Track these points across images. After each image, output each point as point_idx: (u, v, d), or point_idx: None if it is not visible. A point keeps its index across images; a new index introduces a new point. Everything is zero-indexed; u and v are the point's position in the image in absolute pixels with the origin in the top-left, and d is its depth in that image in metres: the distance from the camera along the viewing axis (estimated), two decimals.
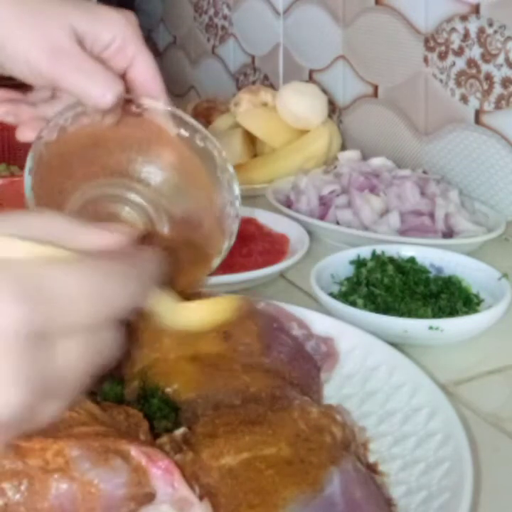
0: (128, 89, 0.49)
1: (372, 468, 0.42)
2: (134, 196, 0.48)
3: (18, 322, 0.25)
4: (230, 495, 0.36)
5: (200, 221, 0.49)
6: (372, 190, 0.82)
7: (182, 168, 0.49)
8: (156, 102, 0.49)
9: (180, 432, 0.40)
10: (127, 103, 0.49)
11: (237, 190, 0.49)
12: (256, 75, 1.29)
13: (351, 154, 0.97)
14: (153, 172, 0.49)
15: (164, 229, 0.48)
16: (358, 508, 0.37)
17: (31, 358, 0.26)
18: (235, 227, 0.49)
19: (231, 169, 0.49)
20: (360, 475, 0.39)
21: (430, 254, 0.67)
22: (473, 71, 0.84)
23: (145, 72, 0.50)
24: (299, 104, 0.99)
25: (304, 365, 0.49)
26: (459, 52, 0.86)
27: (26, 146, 1.00)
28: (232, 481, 0.37)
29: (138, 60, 0.50)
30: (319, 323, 0.54)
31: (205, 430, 0.40)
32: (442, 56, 0.88)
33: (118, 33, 0.48)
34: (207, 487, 0.36)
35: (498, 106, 0.81)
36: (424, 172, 0.89)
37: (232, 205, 0.49)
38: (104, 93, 0.45)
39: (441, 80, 0.89)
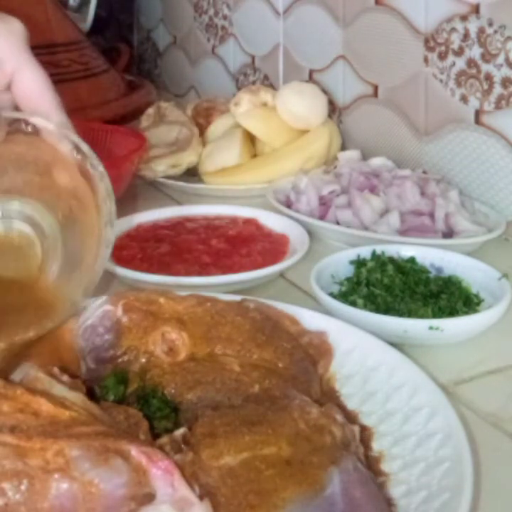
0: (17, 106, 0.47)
1: (375, 462, 0.42)
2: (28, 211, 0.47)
3: None
4: (230, 495, 0.36)
5: (82, 258, 0.48)
6: (372, 190, 0.82)
7: (76, 195, 0.47)
8: (45, 121, 0.47)
9: (180, 432, 0.40)
10: (17, 121, 0.46)
11: (112, 231, 0.46)
12: (256, 75, 1.29)
13: (351, 154, 0.97)
14: (49, 196, 0.47)
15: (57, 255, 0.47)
16: (358, 507, 0.37)
17: None
18: (100, 271, 0.47)
19: (112, 206, 0.46)
20: (360, 475, 0.39)
21: (430, 254, 0.67)
22: (473, 71, 0.84)
23: (28, 88, 0.47)
24: (299, 104, 0.99)
25: (301, 361, 0.49)
26: (459, 52, 0.86)
27: None
28: (232, 481, 0.37)
29: (19, 76, 0.46)
30: (319, 323, 0.54)
31: (205, 430, 0.40)
32: (442, 56, 0.88)
33: None
34: (207, 487, 0.36)
35: (498, 106, 0.81)
36: (424, 172, 0.89)
37: (107, 246, 0.47)
38: None
39: (441, 80, 0.89)
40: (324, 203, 0.83)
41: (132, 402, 0.44)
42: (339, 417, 0.42)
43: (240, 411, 0.42)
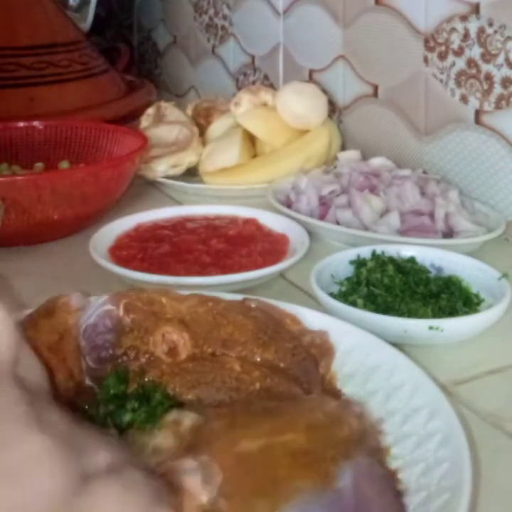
0: None
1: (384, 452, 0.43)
2: None
3: None
4: (245, 481, 0.36)
5: None
6: (372, 190, 0.82)
7: None
8: None
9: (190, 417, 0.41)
10: None
11: None
12: (256, 75, 1.29)
13: (351, 154, 0.97)
14: None
15: None
16: (370, 502, 0.37)
17: None
18: None
19: None
20: (374, 469, 0.39)
21: (430, 254, 0.67)
22: (473, 71, 0.84)
23: None
24: (299, 104, 0.99)
25: (303, 361, 0.49)
26: (459, 52, 0.86)
27: (28, 146, 1.01)
28: (247, 467, 0.37)
29: None
30: (319, 322, 0.54)
31: (223, 418, 0.40)
32: (442, 56, 0.88)
33: None
34: (223, 471, 0.36)
35: (498, 106, 0.81)
36: (424, 172, 0.89)
37: None
38: None
39: (441, 80, 0.89)
40: (324, 203, 0.83)
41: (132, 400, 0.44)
42: (356, 408, 0.42)
43: (255, 403, 0.43)
